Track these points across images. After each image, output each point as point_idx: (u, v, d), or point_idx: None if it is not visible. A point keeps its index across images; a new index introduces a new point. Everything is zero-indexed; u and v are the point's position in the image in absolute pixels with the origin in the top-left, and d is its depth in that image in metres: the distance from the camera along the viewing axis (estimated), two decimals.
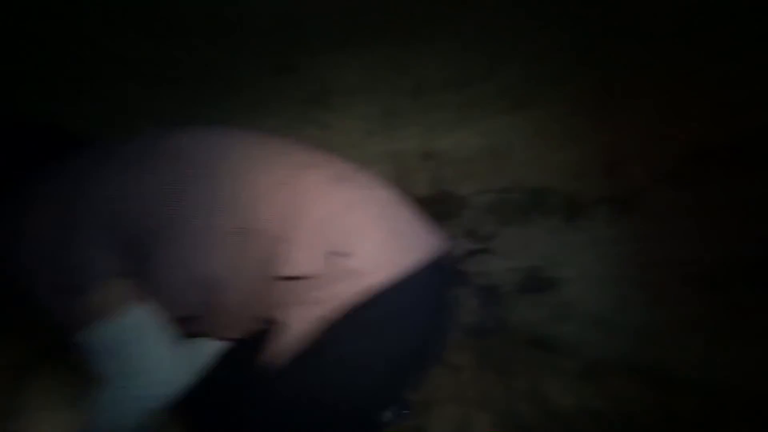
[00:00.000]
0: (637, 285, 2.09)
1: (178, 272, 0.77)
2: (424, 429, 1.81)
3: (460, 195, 2.46)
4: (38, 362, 1.73)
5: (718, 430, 1.83)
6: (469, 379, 2.25)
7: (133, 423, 0.78)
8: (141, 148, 0.84)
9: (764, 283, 1.75)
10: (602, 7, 1.87)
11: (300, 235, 0.75)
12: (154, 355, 0.78)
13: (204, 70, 2.07)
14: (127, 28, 1.81)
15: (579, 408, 2.11)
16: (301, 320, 0.76)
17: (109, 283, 0.76)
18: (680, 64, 1.80)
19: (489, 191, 2.47)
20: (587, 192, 2.22)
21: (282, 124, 2.38)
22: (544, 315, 2.36)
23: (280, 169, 0.81)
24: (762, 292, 1.77)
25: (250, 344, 0.84)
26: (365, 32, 2.06)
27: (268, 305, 0.79)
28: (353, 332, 0.75)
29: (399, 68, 2.23)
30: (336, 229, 0.77)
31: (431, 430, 1.82)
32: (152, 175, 0.79)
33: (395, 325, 0.78)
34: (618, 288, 2.15)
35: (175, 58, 1.99)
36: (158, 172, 0.79)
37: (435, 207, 2.50)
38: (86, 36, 1.80)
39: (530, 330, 2.36)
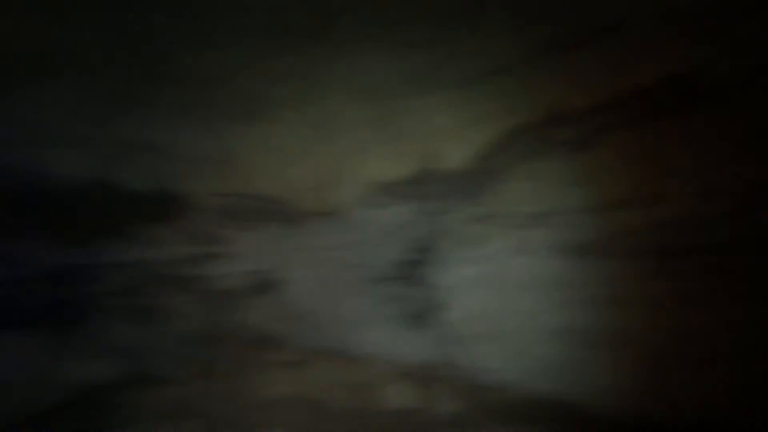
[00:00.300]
0: (339, 283, 2.54)
1: None
2: None
3: (187, 195, 2.38)
4: None
5: (386, 393, 2.39)
6: (181, 390, 2.22)
7: None
8: None
9: (412, 279, 2.45)
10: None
11: None
12: None
13: None
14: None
15: (287, 395, 2.38)
16: None
17: None
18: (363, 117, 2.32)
19: (222, 195, 2.49)
20: (309, 204, 2.54)
21: None
22: (268, 314, 2.56)
23: None
24: (410, 285, 2.46)
25: None
26: None
27: None
28: None
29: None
30: None
31: None
32: None
33: None
34: (327, 286, 2.56)
35: None
36: None
37: (151, 204, 2.33)
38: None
39: (254, 330, 2.52)
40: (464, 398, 2.34)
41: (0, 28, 1.67)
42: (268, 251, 2.53)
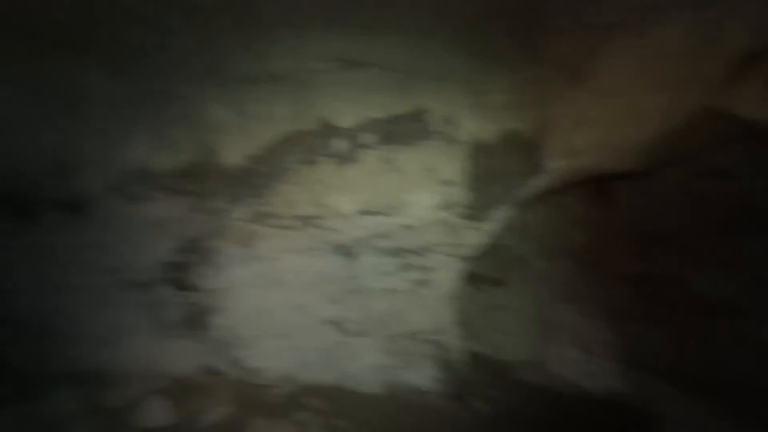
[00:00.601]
0: (87, 291, 2.14)
1: None
2: None
3: None
4: None
5: (144, 412, 2.12)
6: None
7: None
8: None
9: (181, 282, 2.28)
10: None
11: None
12: None
13: None
14: None
15: None
16: None
17: None
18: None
19: None
20: (45, 193, 2.05)
21: None
22: None
23: None
24: (178, 289, 2.28)
25: None
26: None
27: None
28: None
29: None
30: None
31: None
32: None
33: None
34: (68, 295, 2.12)
35: None
36: None
37: None
38: None
39: None
40: (234, 401, 2.32)
41: None
42: None
